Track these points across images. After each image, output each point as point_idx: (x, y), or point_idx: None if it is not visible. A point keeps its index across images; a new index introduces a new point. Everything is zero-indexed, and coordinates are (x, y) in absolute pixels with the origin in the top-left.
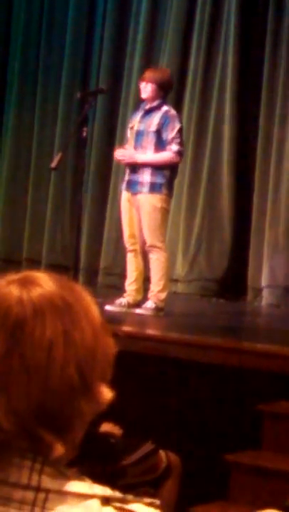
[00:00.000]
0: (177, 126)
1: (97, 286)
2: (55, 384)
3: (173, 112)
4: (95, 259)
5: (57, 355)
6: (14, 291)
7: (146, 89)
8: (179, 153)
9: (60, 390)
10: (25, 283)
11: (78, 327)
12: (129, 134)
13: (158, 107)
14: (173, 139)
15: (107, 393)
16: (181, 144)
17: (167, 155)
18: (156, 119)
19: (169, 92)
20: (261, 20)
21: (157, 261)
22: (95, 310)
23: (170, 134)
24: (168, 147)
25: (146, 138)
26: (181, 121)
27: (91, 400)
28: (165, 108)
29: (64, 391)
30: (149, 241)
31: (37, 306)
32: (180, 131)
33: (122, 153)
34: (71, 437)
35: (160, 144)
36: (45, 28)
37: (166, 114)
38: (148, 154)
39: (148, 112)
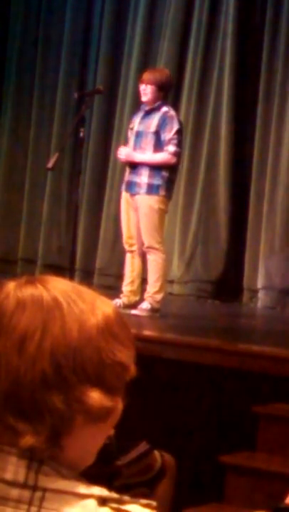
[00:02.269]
0: (175, 127)
1: (93, 287)
2: (25, 374)
3: (172, 112)
4: (90, 259)
5: (30, 346)
6: (9, 288)
7: (146, 92)
8: (176, 155)
9: (31, 381)
10: (25, 283)
11: (60, 324)
12: (130, 135)
13: (158, 108)
14: (170, 139)
15: (98, 399)
16: (178, 145)
17: (164, 156)
18: (155, 120)
19: (169, 92)
20: (259, 22)
21: (154, 262)
22: (93, 315)
23: (168, 134)
24: (165, 148)
25: (146, 139)
26: (180, 122)
27: (71, 399)
28: (164, 109)
29: (35, 382)
30: (146, 242)
31: (20, 300)
32: (178, 132)
33: (120, 151)
34: (44, 430)
35: (159, 145)
36: (42, 28)
37: (165, 115)
38: (146, 155)
39: (148, 113)
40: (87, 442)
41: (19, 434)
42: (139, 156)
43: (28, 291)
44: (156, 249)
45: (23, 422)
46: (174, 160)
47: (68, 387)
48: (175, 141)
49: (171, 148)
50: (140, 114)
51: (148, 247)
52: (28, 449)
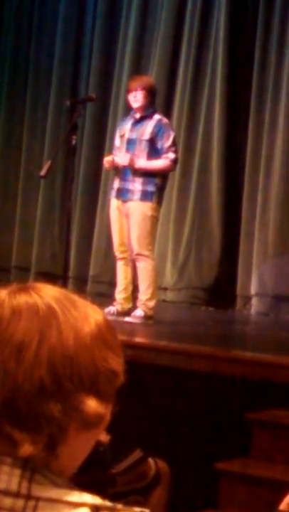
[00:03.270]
0: (172, 134)
1: (86, 295)
2: (23, 383)
3: (166, 120)
4: (84, 267)
5: (27, 355)
6: (2, 296)
7: (138, 98)
8: (176, 162)
9: (29, 389)
10: (17, 291)
11: (57, 332)
12: (119, 143)
13: (150, 116)
14: (169, 147)
15: (94, 406)
16: (176, 152)
17: (164, 162)
18: (149, 127)
19: (156, 97)
20: (250, 29)
21: (144, 269)
22: (87, 323)
23: (166, 142)
24: (164, 156)
25: (139, 146)
26: (173, 129)
27: (68, 407)
28: (157, 116)
29: (32, 391)
30: (136, 249)
31: (15, 308)
32: (174, 139)
33: (120, 157)
34: (41, 439)
35: (153, 153)
36: (34, 36)
37: (159, 123)
38: (147, 161)
39: (139, 121)
40: (80, 449)
41: (17, 443)
42: (141, 162)
43: (23, 299)
44: (146, 256)
45: (20, 431)
46: (173, 167)
47: (65, 396)
48: (174, 149)
49: (172, 155)
50: (130, 121)
51: (137, 254)
52: (24, 458)
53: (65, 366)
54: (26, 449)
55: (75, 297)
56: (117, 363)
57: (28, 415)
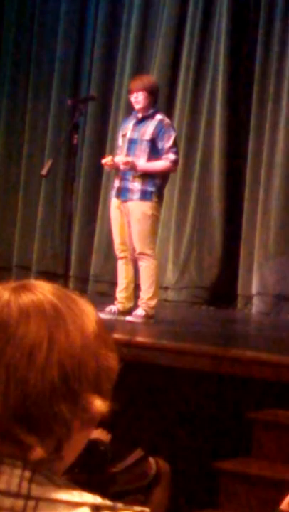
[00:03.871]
0: (173, 135)
1: (87, 294)
2: (34, 386)
3: (167, 120)
4: (85, 266)
5: (38, 357)
6: (5, 295)
7: (139, 99)
8: (176, 163)
9: (40, 392)
10: (20, 289)
11: (65, 333)
12: (121, 142)
13: (152, 116)
14: (170, 148)
15: (99, 405)
16: (177, 153)
17: (164, 164)
18: (150, 127)
19: (158, 96)
20: (252, 31)
21: (147, 268)
22: (89, 321)
23: (166, 143)
24: (164, 156)
25: (140, 146)
26: (175, 130)
27: (76, 407)
28: (159, 117)
29: (44, 394)
30: (138, 248)
31: (23, 309)
32: (175, 140)
33: (121, 160)
34: (51, 442)
35: (154, 153)
36: (36, 35)
37: (161, 123)
38: (149, 163)
39: (141, 121)
40: (78, 446)
41: (28, 447)
42: (141, 163)
43: (28, 298)
44: (148, 255)
45: (31, 435)
46: (174, 168)
47: (74, 396)
48: (174, 150)
49: (172, 156)
50: (132, 121)
51: (140, 254)
52: (34, 462)
53: (73, 367)
54: (38, 452)
55: (72, 294)
56: (114, 361)
57: (40, 418)
